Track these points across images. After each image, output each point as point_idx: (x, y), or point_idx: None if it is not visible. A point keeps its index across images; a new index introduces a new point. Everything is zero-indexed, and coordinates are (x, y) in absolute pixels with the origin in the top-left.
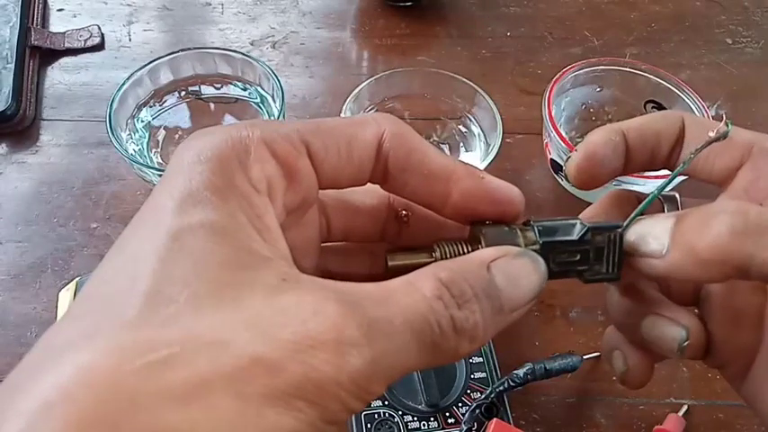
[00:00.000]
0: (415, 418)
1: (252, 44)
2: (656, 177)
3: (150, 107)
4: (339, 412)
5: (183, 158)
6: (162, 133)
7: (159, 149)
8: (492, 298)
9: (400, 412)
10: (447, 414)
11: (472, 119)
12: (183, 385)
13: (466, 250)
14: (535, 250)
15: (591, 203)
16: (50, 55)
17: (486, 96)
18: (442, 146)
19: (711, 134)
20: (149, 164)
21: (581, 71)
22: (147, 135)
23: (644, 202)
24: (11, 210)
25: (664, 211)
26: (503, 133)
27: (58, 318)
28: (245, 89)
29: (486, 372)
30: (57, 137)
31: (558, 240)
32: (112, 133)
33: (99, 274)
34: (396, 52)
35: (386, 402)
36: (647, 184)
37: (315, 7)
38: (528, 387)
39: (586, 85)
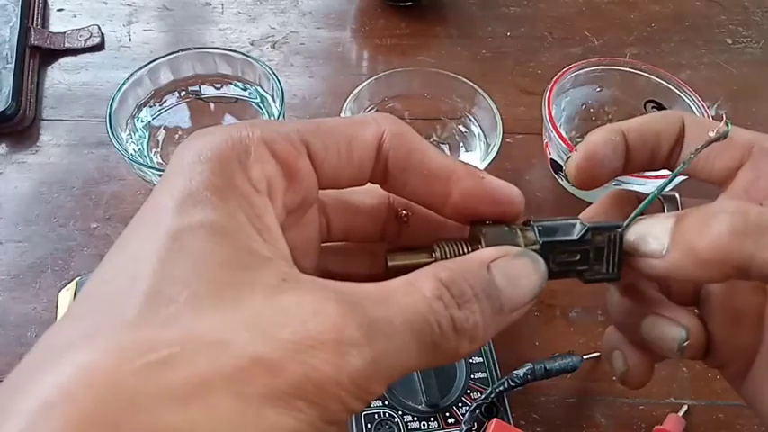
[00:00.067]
0: (415, 418)
1: (252, 44)
2: (656, 177)
3: (150, 107)
4: (339, 412)
5: (183, 158)
6: (162, 133)
7: (159, 149)
8: (492, 298)
9: (400, 412)
10: (447, 414)
11: (472, 119)
12: (183, 385)
13: (466, 250)
14: (535, 250)
15: (591, 203)
16: (50, 55)
17: (486, 96)
18: (442, 146)
19: (711, 134)
20: (149, 164)
21: (581, 71)
22: (147, 135)
23: (644, 202)
24: (11, 210)
25: (664, 211)
26: (503, 133)
27: (58, 318)
28: (245, 89)
29: (486, 372)
30: (57, 137)
31: (558, 240)
32: (112, 133)
33: (99, 275)
34: (396, 52)
35: (386, 402)
36: (646, 185)
37: (315, 7)
38: (528, 387)
39: (586, 85)
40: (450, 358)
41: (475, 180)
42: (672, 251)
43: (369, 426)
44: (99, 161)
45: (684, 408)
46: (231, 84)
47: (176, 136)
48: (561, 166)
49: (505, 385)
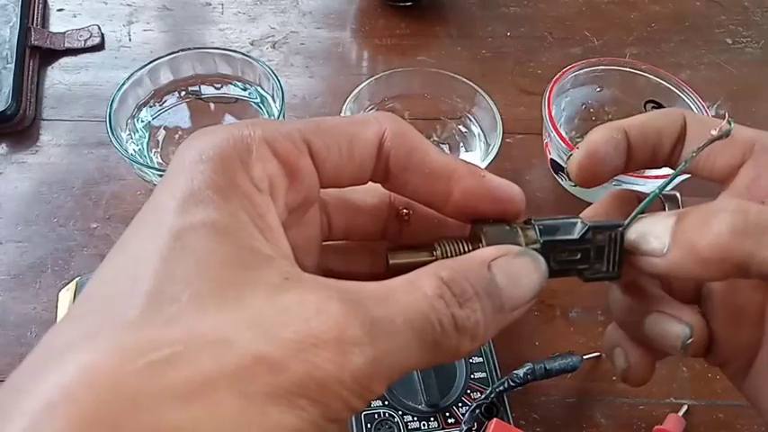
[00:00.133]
0: (415, 418)
1: (252, 44)
2: (657, 177)
3: (150, 107)
4: (341, 411)
5: (185, 158)
6: (162, 133)
7: (159, 149)
8: (493, 297)
9: (400, 412)
10: (447, 414)
11: (472, 119)
12: (186, 384)
13: (467, 249)
14: (536, 249)
15: (591, 203)
16: (50, 55)
17: (486, 96)
18: (443, 146)
19: (714, 132)
20: (149, 164)
21: (581, 71)
22: (147, 135)
23: (645, 201)
24: (11, 210)
25: (665, 210)
26: (503, 133)
27: (59, 318)
28: (245, 89)
29: (486, 372)
30: (57, 137)
31: (558, 239)
32: (112, 133)
33: (100, 275)
34: (396, 52)
35: (386, 402)
36: (647, 184)
37: (315, 7)
38: (528, 387)
39: (586, 85)
40: (452, 357)
41: (476, 179)
42: (672, 250)
43: (369, 426)
44: (99, 161)
45: (684, 408)
46: (231, 84)
47: (176, 136)
48: (561, 166)
49: (505, 385)
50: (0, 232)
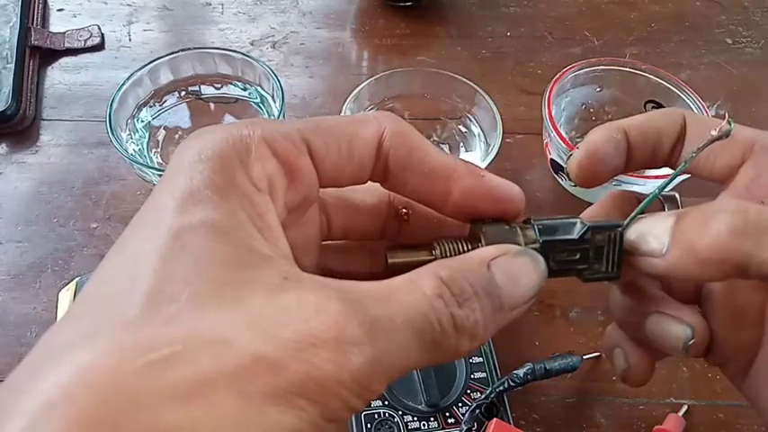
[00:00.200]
0: (415, 418)
1: (252, 44)
2: (657, 177)
3: (150, 107)
4: (340, 410)
5: (184, 157)
6: (162, 133)
7: (159, 149)
8: (492, 296)
9: (400, 412)
10: (447, 414)
11: (472, 119)
12: (186, 384)
13: (466, 248)
14: (535, 249)
15: (591, 204)
16: (50, 55)
17: (486, 96)
18: (442, 146)
19: (714, 132)
20: (149, 164)
21: (581, 71)
22: (147, 135)
23: (645, 201)
24: (11, 210)
25: (664, 211)
26: (503, 133)
27: (58, 318)
28: (245, 89)
29: (486, 372)
30: (57, 137)
31: (558, 239)
32: (112, 133)
33: (99, 274)
34: (396, 52)
35: (386, 402)
36: (647, 184)
37: (315, 7)
38: (528, 387)
39: (586, 85)
40: (451, 356)
41: (475, 178)
42: (672, 250)
43: (369, 426)
44: (99, 161)
45: (684, 408)
46: (231, 84)
47: (176, 136)
48: (561, 166)
49: (505, 385)
50: (0, 232)
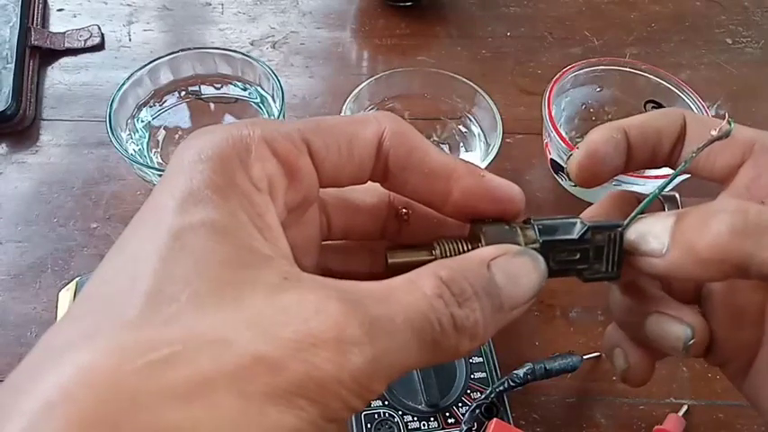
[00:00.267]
0: (415, 418)
1: (252, 44)
2: (657, 177)
3: (150, 107)
4: (340, 410)
5: (184, 157)
6: (162, 133)
7: (159, 149)
8: (492, 296)
9: (400, 412)
10: (447, 414)
11: (472, 119)
12: (186, 384)
13: (466, 248)
14: (535, 249)
15: (591, 204)
16: (50, 55)
17: (486, 96)
18: (442, 146)
19: (713, 132)
20: (149, 164)
21: (581, 71)
22: (147, 135)
23: (645, 201)
24: (11, 210)
25: (664, 211)
26: (503, 133)
27: (58, 318)
28: (245, 89)
29: (486, 372)
30: (57, 137)
31: (558, 239)
32: (112, 133)
33: (99, 275)
34: (396, 52)
35: (386, 402)
36: (647, 184)
37: (315, 7)
38: (528, 387)
39: (586, 85)
40: (451, 356)
41: (475, 178)
42: (672, 250)
43: (369, 426)
44: (99, 161)
45: (684, 408)
46: (231, 84)
47: (176, 136)
48: (561, 166)
49: (505, 385)
50: (0, 232)
